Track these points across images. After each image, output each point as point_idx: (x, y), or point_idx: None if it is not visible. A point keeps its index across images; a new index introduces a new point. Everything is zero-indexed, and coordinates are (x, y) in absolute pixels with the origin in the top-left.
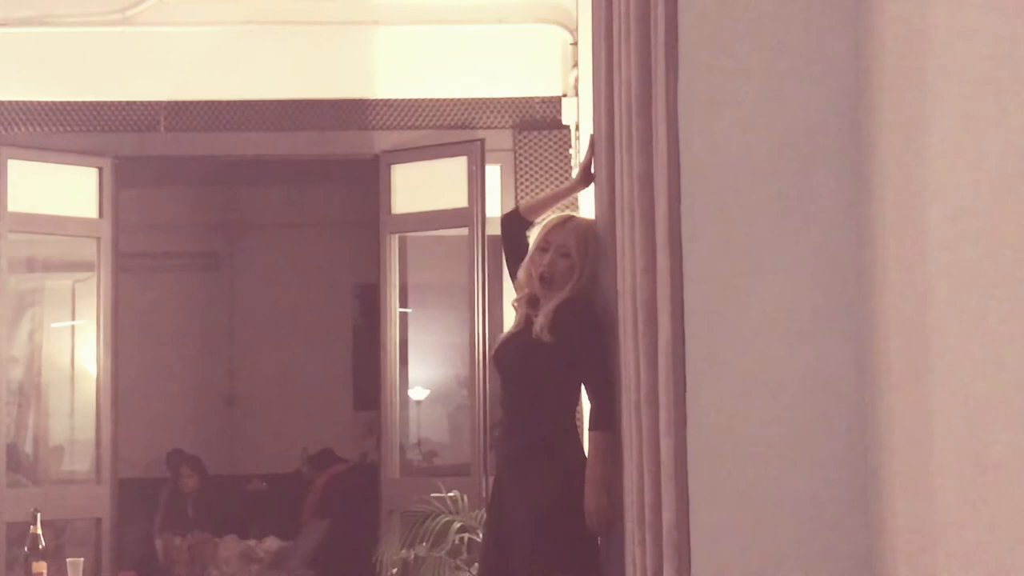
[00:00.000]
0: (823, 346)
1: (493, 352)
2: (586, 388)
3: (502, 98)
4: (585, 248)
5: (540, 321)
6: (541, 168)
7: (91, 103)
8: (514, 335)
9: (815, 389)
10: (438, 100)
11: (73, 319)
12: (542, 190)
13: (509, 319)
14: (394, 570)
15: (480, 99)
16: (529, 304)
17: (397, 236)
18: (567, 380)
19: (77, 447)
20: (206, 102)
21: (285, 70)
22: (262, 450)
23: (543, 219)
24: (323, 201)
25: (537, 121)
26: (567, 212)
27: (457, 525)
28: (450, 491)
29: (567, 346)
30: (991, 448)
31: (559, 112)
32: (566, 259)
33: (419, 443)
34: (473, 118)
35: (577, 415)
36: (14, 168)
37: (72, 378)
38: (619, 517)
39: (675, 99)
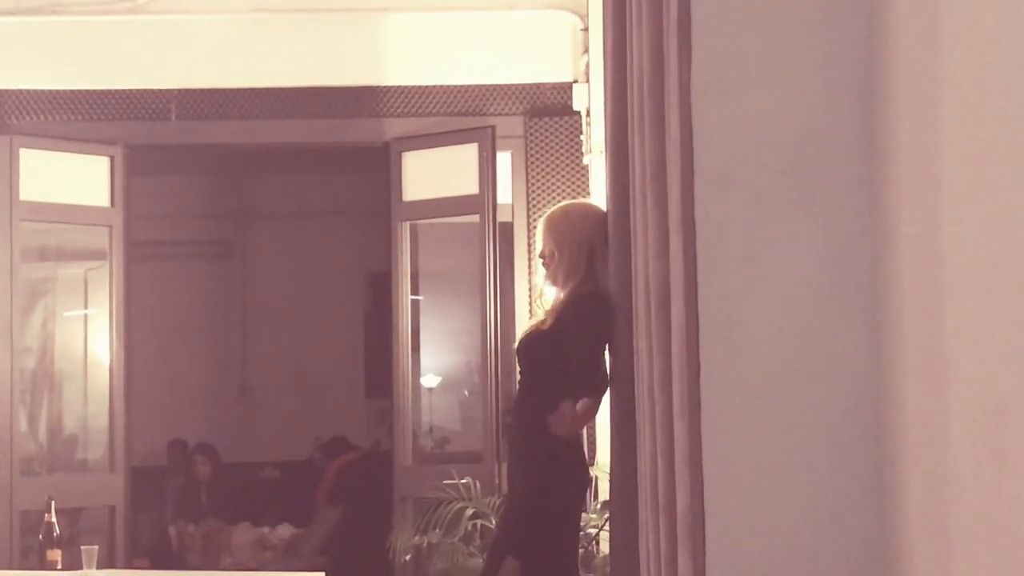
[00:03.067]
0: (837, 330)
1: (516, 345)
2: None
3: (513, 84)
4: (554, 230)
5: (549, 311)
6: (552, 154)
7: (102, 91)
8: (533, 329)
9: (829, 372)
10: (448, 87)
11: (85, 308)
12: (553, 176)
13: (521, 306)
14: (407, 557)
15: (490, 86)
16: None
17: (408, 223)
18: (566, 368)
19: (90, 435)
20: (217, 90)
21: (295, 58)
22: (275, 438)
23: None
24: (334, 189)
25: (548, 107)
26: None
27: (470, 512)
28: (462, 478)
29: (567, 332)
30: (1007, 436)
31: (570, 98)
32: (546, 246)
33: (431, 430)
34: (483, 105)
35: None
36: (26, 157)
37: (85, 367)
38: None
39: (688, 83)
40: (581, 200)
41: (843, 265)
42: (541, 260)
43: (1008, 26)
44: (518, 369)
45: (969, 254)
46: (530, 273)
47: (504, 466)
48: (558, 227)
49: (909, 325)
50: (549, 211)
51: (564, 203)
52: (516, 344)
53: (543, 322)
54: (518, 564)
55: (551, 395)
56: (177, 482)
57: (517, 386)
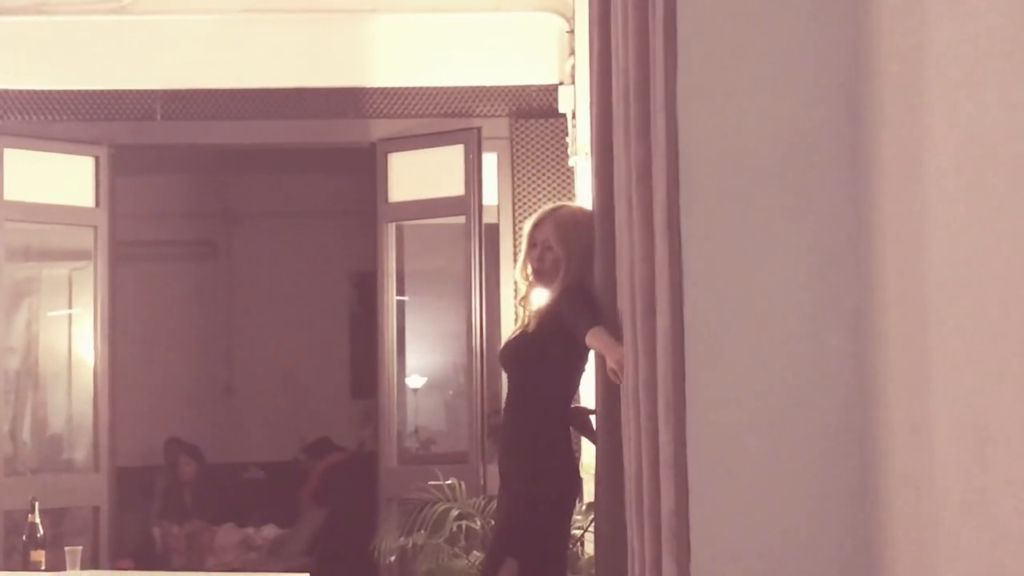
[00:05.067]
0: (822, 333)
1: (499, 353)
2: (573, 320)
3: (499, 86)
4: (565, 238)
5: (534, 314)
6: (537, 156)
7: (87, 92)
8: (517, 335)
9: (814, 376)
10: (435, 88)
11: (70, 308)
12: (538, 178)
13: (507, 307)
14: (392, 558)
15: (477, 87)
16: (531, 303)
17: (394, 224)
18: (559, 371)
19: (75, 436)
20: (203, 90)
21: (282, 58)
22: (260, 438)
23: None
24: (320, 189)
25: (534, 109)
26: (555, 204)
27: (455, 513)
28: (448, 479)
29: (558, 323)
30: (989, 442)
31: (555, 100)
32: (551, 252)
33: (416, 431)
34: (470, 106)
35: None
36: (10, 157)
37: (69, 367)
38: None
39: (674, 87)
40: (583, 207)
41: (828, 269)
42: (531, 250)
43: (994, 30)
44: (504, 376)
45: (954, 260)
46: (520, 267)
47: (489, 467)
48: (568, 230)
49: (894, 329)
50: (556, 207)
51: (571, 205)
52: (500, 351)
53: (527, 325)
54: (516, 565)
55: (544, 397)
56: (170, 481)
57: (506, 392)
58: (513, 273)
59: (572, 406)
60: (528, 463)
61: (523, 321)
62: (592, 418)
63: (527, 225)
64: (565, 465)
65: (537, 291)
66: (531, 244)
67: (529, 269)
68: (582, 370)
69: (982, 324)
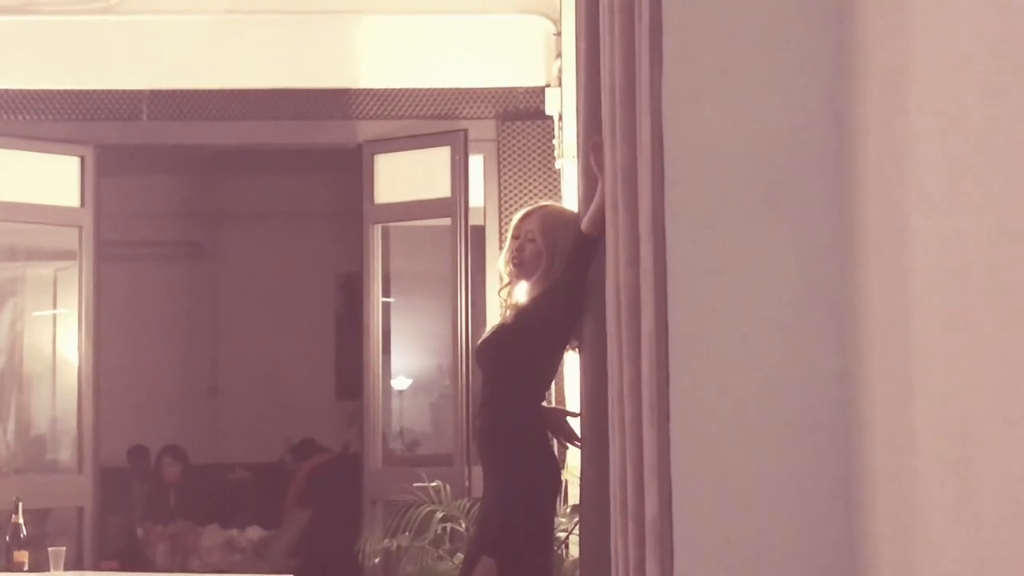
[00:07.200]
0: (806, 337)
1: (475, 349)
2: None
3: (485, 88)
4: (550, 232)
5: (512, 308)
6: (524, 158)
7: (73, 91)
8: (494, 329)
9: (798, 380)
10: (421, 90)
11: (55, 308)
12: (525, 180)
13: (492, 309)
14: (376, 560)
15: (463, 89)
16: (512, 296)
17: (380, 226)
18: (533, 363)
19: (59, 436)
20: (189, 91)
21: (268, 59)
22: (245, 439)
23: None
24: (306, 190)
25: (520, 111)
26: (543, 203)
27: (440, 515)
28: (433, 481)
29: (536, 318)
30: (972, 448)
31: (542, 102)
32: (533, 244)
33: (402, 433)
34: (456, 108)
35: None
36: None
37: (54, 367)
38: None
39: (659, 91)
40: (571, 210)
41: (813, 273)
42: (514, 241)
43: (979, 36)
44: (480, 370)
45: (937, 263)
46: (503, 258)
47: (474, 469)
48: (554, 226)
49: (877, 331)
50: (546, 206)
51: (560, 206)
52: (476, 347)
53: (504, 318)
54: (494, 563)
55: (517, 390)
56: (143, 486)
57: (483, 388)
58: (498, 272)
59: (551, 406)
60: (502, 459)
61: (502, 316)
62: (570, 420)
63: (515, 218)
64: (541, 460)
65: (519, 286)
66: (514, 236)
67: (508, 258)
68: (557, 365)
69: (965, 326)
